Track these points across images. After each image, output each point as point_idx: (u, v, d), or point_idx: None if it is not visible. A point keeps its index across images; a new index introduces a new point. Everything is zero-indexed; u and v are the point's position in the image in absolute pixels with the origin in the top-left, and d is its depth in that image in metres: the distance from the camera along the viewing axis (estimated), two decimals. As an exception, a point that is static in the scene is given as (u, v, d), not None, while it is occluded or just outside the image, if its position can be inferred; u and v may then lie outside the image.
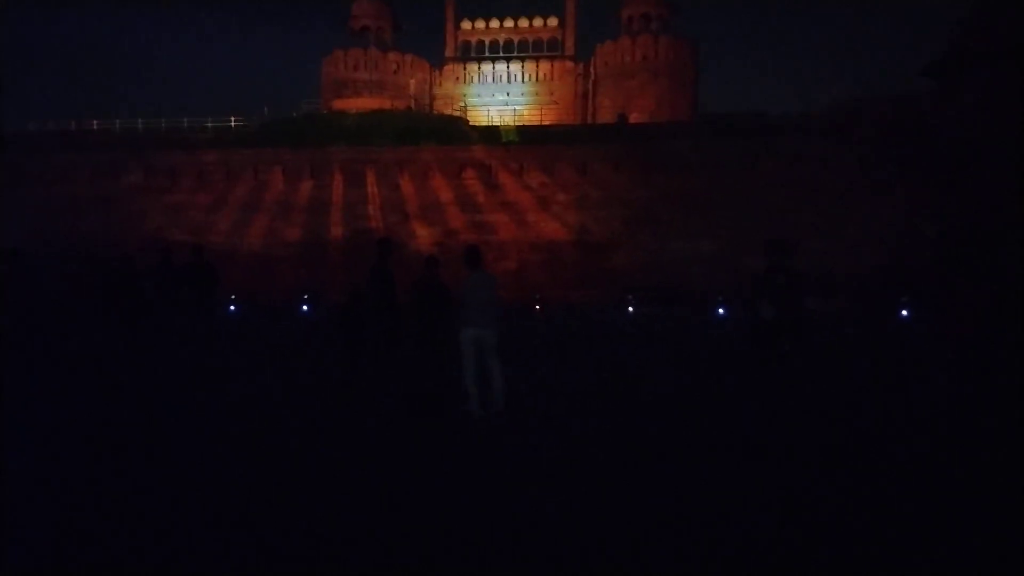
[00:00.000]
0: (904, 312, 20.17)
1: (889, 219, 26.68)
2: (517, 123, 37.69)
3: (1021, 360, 8.90)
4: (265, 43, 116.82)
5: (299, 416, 7.47)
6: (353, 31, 50.59)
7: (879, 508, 4.65)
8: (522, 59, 51.74)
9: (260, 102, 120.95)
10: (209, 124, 37.05)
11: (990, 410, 7.56)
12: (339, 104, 41.20)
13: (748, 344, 6.72)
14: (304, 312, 23.64)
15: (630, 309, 24.44)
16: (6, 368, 8.65)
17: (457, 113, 43.53)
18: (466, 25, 53.78)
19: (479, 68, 52.03)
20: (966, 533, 4.27)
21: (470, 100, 49.45)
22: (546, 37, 53.20)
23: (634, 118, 40.97)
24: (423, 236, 31.53)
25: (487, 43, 53.69)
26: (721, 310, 22.38)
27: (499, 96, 50.29)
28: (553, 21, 53.03)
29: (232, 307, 22.93)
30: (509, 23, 53.46)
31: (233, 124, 37.09)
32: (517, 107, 46.76)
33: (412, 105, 45.64)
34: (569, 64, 51.32)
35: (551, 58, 51.74)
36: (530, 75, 51.32)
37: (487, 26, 53.65)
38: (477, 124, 38.52)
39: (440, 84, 52.05)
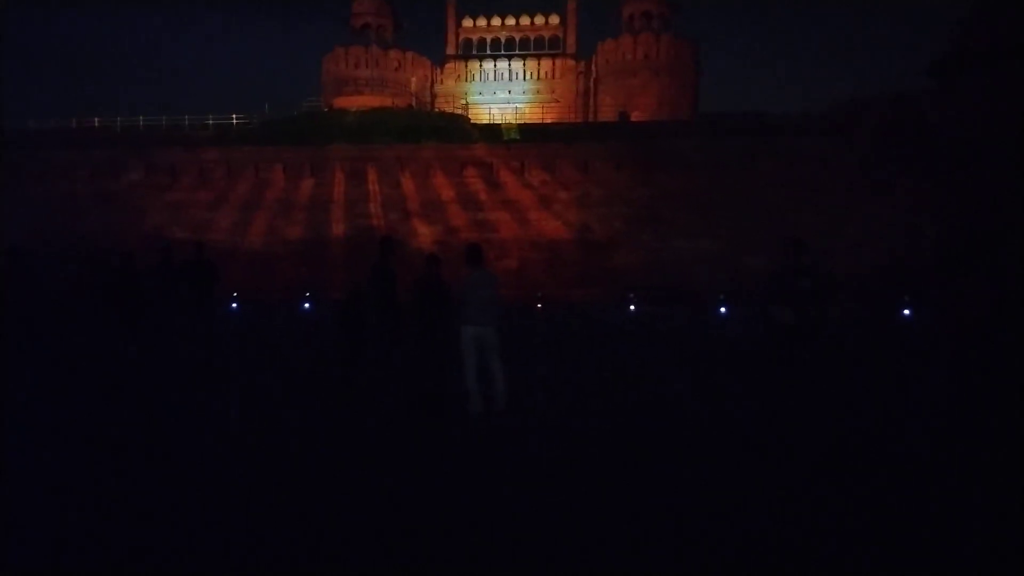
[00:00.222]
0: (906, 312, 20.16)
1: (890, 219, 26.63)
2: (518, 121, 37.65)
3: (1021, 359, 8.91)
4: (266, 41, 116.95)
5: (299, 416, 7.48)
6: (354, 29, 50.52)
7: (879, 508, 4.65)
8: (523, 57, 51.68)
9: (261, 100, 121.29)
10: (210, 122, 36.96)
11: (991, 409, 7.57)
12: (340, 102, 41.19)
13: (760, 347, 6.69)
14: (305, 310, 23.64)
15: (631, 308, 24.42)
16: (6, 367, 8.67)
17: (458, 111, 43.47)
18: (467, 23, 53.73)
19: (480, 66, 51.96)
20: (966, 533, 4.27)
21: (471, 98, 49.41)
22: (547, 35, 53.13)
23: (635, 116, 40.93)
24: (424, 234, 31.51)
25: (488, 41, 53.63)
26: (722, 309, 22.36)
27: (500, 94, 50.23)
28: (554, 19, 52.96)
29: (233, 305, 22.94)
30: (510, 21, 53.39)
31: (234, 122, 37.00)
32: (518, 105, 46.72)
33: (413, 103, 45.62)
34: (570, 62, 51.23)
35: (552, 56, 51.64)
36: (531, 73, 51.25)
37: (488, 24, 53.60)
38: (478, 122, 38.44)
39: (441, 82, 51.99)
